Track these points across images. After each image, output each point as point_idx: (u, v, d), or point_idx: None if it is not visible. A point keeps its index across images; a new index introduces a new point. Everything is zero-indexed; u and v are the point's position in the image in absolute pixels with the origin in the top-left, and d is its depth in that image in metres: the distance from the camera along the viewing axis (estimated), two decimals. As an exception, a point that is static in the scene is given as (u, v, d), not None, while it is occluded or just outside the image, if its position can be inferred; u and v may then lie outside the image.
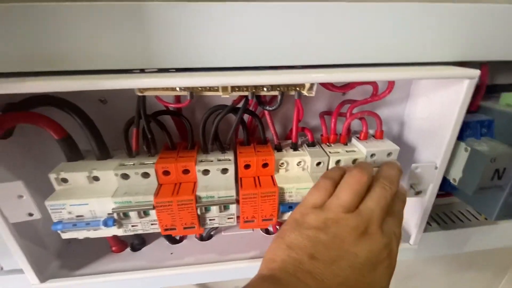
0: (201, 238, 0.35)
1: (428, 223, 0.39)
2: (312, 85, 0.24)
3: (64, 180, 0.26)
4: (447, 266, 0.51)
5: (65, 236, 0.26)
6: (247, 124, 0.30)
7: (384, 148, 0.28)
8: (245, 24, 0.23)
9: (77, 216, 0.25)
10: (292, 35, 0.24)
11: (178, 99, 0.28)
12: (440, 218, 0.41)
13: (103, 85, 0.21)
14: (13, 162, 0.27)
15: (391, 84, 0.28)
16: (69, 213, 0.25)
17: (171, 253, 0.33)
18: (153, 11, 0.22)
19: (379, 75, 0.24)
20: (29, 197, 0.25)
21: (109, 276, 0.31)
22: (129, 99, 0.28)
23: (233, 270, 0.32)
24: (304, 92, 0.25)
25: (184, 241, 0.35)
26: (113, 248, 0.34)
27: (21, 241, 0.27)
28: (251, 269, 0.33)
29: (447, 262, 0.50)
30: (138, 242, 0.34)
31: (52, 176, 0.25)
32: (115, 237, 0.33)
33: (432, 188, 0.29)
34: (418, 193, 0.29)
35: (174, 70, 0.25)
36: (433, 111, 0.30)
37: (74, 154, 0.27)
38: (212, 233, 0.35)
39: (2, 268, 0.33)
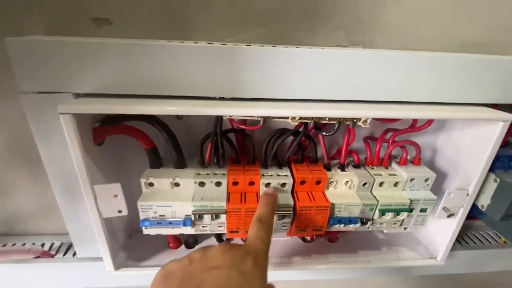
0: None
1: (454, 243, 0.42)
2: (367, 118, 0.28)
3: (151, 184, 0.30)
4: (464, 285, 0.54)
5: (146, 232, 0.31)
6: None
7: (422, 174, 0.32)
8: (319, 66, 0.28)
9: (160, 215, 0.30)
10: (355, 77, 0.28)
11: (245, 120, 0.33)
12: (462, 239, 0.44)
13: (204, 112, 0.25)
14: (104, 166, 0.32)
15: (430, 120, 0.32)
16: (154, 212, 0.30)
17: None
18: (242, 52, 0.27)
19: (426, 114, 0.28)
20: (122, 197, 0.29)
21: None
22: (200, 117, 0.33)
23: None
24: (360, 123, 0.29)
25: (231, 242, 0.40)
26: (171, 245, 0.38)
27: (106, 235, 0.31)
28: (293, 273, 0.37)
29: (465, 281, 0.53)
30: (192, 240, 0.39)
31: (142, 181, 0.30)
32: (173, 235, 0.38)
33: (462, 212, 0.33)
34: (450, 215, 0.33)
35: (248, 99, 0.29)
36: (467, 144, 0.33)
37: (157, 162, 0.32)
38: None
39: (74, 255, 0.38)
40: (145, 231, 0.31)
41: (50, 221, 0.41)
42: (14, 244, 0.39)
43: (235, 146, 0.33)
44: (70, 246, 0.40)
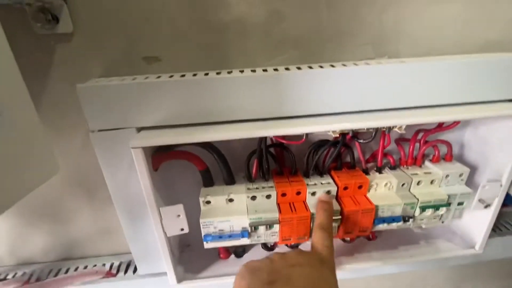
0: (291, 246, 0.42)
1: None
2: (402, 125, 0.31)
3: (208, 202, 0.33)
4: (498, 271, 0.56)
5: (207, 246, 0.33)
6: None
7: (457, 170, 0.35)
8: (353, 81, 0.30)
9: (219, 230, 0.33)
10: (387, 87, 0.31)
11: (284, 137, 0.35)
12: (496, 227, 0.46)
13: (257, 134, 0.28)
14: (160, 189, 0.35)
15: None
16: (214, 227, 0.32)
17: (271, 259, 0.40)
18: (283, 76, 0.29)
19: (457, 116, 0.30)
20: (184, 217, 0.32)
21: (226, 278, 0.38)
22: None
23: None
24: (396, 129, 0.31)
25: (276, 248, 0.42)
26: (221, 256, 0.41)
27: (169, 252, 0.34)
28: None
29: (499, 267, 0.55)
30: (241, 250, 0.42)
31: (201, 199, 0.33)
32: (224, 247, 0.40)
33: (497, 202, 0.35)
34: (486, 206, 0.35)
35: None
36: (495, 138, 0.35)
37: (209, 181, 0.35)
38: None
39: (134, 272, 0.41)
40: (206, 245, 0.33)
41: (107, 243, 0.44)
42: (77, 268, 0.43)
43: (278, 160, 0.36)
44: (128, 264, 0.43)
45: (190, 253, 0.42)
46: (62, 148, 0.36)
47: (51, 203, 0.40)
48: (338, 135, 0.34)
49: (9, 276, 0.43)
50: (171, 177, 0.37)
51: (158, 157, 0.33)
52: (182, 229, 0.33)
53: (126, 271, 0.42)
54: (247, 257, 0.41)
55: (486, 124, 0.37)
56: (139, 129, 0.31)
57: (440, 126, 0.36)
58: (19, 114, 0.21)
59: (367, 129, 0.31)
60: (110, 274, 0.41)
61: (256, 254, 0.42)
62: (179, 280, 0.37)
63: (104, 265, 0.43)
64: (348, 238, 0.43)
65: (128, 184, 0.33)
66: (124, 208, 0.35)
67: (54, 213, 0.41)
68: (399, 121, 0.30)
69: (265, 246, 0.41)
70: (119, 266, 0.43)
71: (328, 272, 0.24)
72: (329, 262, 0.26)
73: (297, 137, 0.32)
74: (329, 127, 0.29)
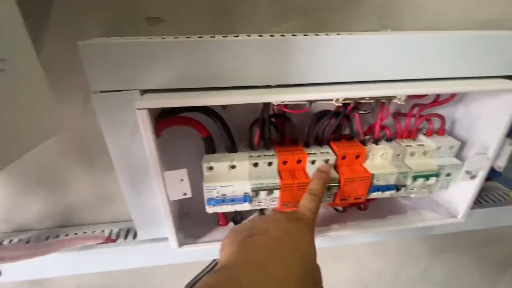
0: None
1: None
2: (403, 95, 0.32)
3: (211, 168, 0.34)
4: (476, 241, 0.60)
5: (209, 210, 0.34)
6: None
7: (448, 143, 0.36)
8: (358, 50, 0.31)
9: (222, 195, 0.33)
10: (389, 58, 0.31)
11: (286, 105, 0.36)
12: (477, 199, 0.49)
13: (261, 99, 0.29)
14: (163, 155, 0.35)
15: (454, 94, 0.36)
16: (217, 192, 0.33)
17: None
18: (290, 42, 0.29)
19: (456, 89, 0.32)
20: (187, 181, 0.33)
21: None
22: (243, 106, 0.36)
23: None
24: (396, 100, 0.32)
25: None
26: (220, 222, 0.42)
27: (171, 216, 0.35)
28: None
29: (476, 237, 0.60)
30: (240, 217, 0.43)
31: (204, 165, 0.33)
32: (223, 214, 0.42)
33: (483, 174, 0.38)
34: (472, 177, 0.37)
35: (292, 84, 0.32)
36: (485, 114, 0.37)
37: (212, 148, 0.35)
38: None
39: (134, 238, 0.42)
40: (209, 210, 0.34)
41: (106, 211, 0.44)
42: (76, 234, 0.43)
43: (280, 130, 0.36)
44: (128, 231, 0.44)
45: (189, 221, 0.43)
46: (60, 112, 0.35)
47: (48, 169, 0.40)
48: (340, 105, 0.35)
49: (5, 242, 0.43)
50: (173, 144, 0.37)
51: (161, 122, 0.32)
52: (185, 194, 0.33)
53: (126, 237, 0.42)
54: (245, 224, 0.43)
55: (478, 100, 0.38)
56: (143, 92, 0.30)
57: (435, 101, 0.37)
58: (23, 63, 0.21)
59: (369, 98, 0.32)
60: (110, 240, 0.42)
61: (254, 222, 0.43)
62: (180, 244, 0.38)
63: (103, 231, 0.43)
64: (341, 208, 0.45)
65: (131, 148, 0.32)
66: (126, 173, 0.35)
67: (51, 180, 0.41)
68: (401, 91, 0.30)
69: (261, 211, 0.43)
70: (118, 232, 0.43)
71: (304, 227, 0.26)
72: (308, 220, 0.27)
73: (300, 106, 0.33)
74: (334, 95, 0.30)
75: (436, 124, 0.39)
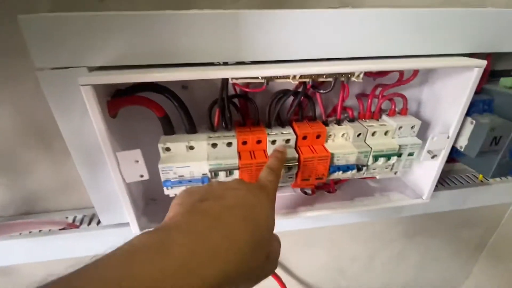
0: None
1: (436, 185, 0.48)
2: (360, 73, 0.32)
3: (168, 149, 0.33)
4: (448, 223, 0.61)
5: (167, 192, 0.34)
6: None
7: (409, 122, 0.36)
8: (314, 27, 0.30)
9: (179, 176, 0.33)
10: (347, 35, 0.31)
11: (247, 85, 0.35)
12: (444, 181, 0.50)
13: (215, 75, 0.28)
14: (119, 137, 0.34)
15: (415, 72, 0.36)
16: (174, 173, 0.33)
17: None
18: (244, 17, 0.29)
19: (412, 65, 0.31)
20: (143, 162, 0.32)
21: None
22: (205, 87, 0.35)
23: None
24: (354, 78, 0.32)
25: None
26: (187, 207, 0.42)
27: (130, 199, 0.34)
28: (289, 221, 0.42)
29: (448, 220, 0.61)
30: (206, 202, 0.42)
31: (160, 146, 0.33)
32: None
33: (444, 153, 0.38)
34: (433, 157, 0.37)
35: (249, 62, 0.32)
36: (446, 93, 0.37)
37: (170, 129, 0.34)
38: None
39: (98, 223, 0.41)
40: (167, 192, 0.34)
41: (70, 197, 0.43)
42: (38, 220, 0.42)
43: (240, 110, 0.36)
44: (92, 217, 0.43)
45: (155, 206, 0.43)
46: (12, 93, 0.34)
47: (5, 155, 0.38)
48: (298, 84, 0.34)
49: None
50: (131, 126, 0.36)
51: (114, 102, 0.32)
52: (141, 176, 0.33)
53: (90, 223, 0.42)
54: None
55: (441, 80, 0.38)
56: (91, 69, 0.29)
57: (399, 81, 0.37)
58: None
59: (327, 76, 0.32)
60: (73, 225, 0.41)
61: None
62: (142, 228, 0.37)
63: (67, 218, 0.43)
64: (310, 191, 0.45)
65: (82, 129, 0.32)
66: (81, 156, 0.34)
67: (10, 166, 0.40)
68: (356, 67, 0.30)
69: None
70: (82, 218, 0.43)
71: (265, 198, 0.24)
72: (269, 190, 0.26)
73: (258, 84, 0.32)
74: (290, 71, 0.29)
75: (401, 105, 0.39)
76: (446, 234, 0.64)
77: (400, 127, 0.36)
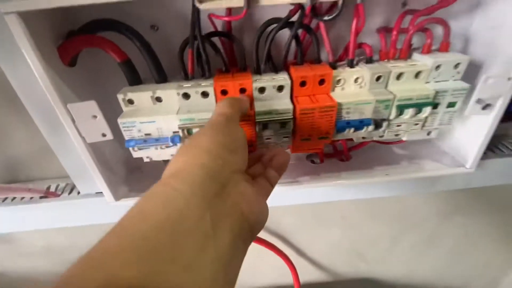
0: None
1: (485, 151, 0.37)
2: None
3: (131, 101, 0.27)
4: (496, 201, 0.50)
5: (136, 155, 0.28)
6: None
7: (451, 58, 0.26)
8: None
9: (146, 134, 0.27)
10: None
11: (230, 12, 0.27)
12: (497, 147, 0.39)
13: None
14: (80, 89, 0.29)
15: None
16: (139, 131, 0.27)
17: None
18: None
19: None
20: (102, 118, 0.26)
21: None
22: (179, 26, 0.28)
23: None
24: (369, -7, 0.23)
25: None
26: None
27: (98, 164, 0.30)
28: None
29: (497, 197, 0.49)
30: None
31: (120, 97, 0.27)
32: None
33: (501, 103, 0.27)
34: (485, 107, 0.27)
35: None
36: (509, 21, 0.26)
37: (135, 78, 0.28)
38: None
39: (79, 193, 0.38)
40: (135, 154, 0.28)
41: (50, 164, 0.40)
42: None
43: (221, 52, 0.28)
44: (74, 186, 0.39)
45: (139, 175, 0.38)
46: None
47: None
48: (293, 9, 0.25)
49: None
50: (96, 78, 0.31)
51: (65, 46, 0.26)
52: (104, 135, 0.27)
53: (71, 192, 0.38)
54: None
55: (502, 3, 0.27)
56: None
57: (439, 2, 0.27)
58: None
59: (329, -8, 0.23)
60: (53, 194, 0.38)
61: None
62: (118, 198, 0.33)
63: (49, 186, 0.40)
64: (319, 161, 0.37)
65: (30, 78, 0.26)
66: (38, 114, 0.29)
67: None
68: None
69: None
70: (64, 187, 0.39)
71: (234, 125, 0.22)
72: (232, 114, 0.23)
73: (237, 10, 0.24)
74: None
75: (439, 39, 0.29)
76: (493, 215, 0.53)
77: (438, 66, 0.26)
